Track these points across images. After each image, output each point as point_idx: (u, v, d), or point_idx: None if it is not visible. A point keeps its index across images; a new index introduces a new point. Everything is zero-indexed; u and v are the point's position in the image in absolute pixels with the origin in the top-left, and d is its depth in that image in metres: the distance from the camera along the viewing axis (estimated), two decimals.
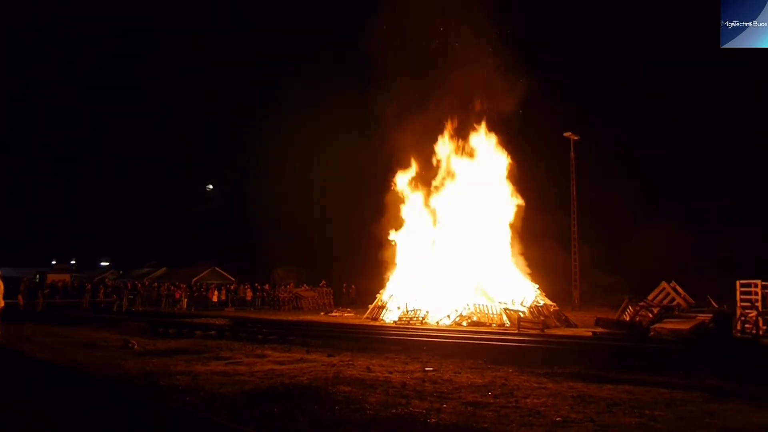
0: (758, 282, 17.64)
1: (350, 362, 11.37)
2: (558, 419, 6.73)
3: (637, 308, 18.56)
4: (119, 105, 73.50)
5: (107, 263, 65.55)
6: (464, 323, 22.18)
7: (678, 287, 18.99)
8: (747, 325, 16.81)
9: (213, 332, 18.12)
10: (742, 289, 17.88)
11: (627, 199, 39.55)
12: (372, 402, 7.49)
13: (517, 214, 26.24)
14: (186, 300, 34.72)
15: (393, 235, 28.16)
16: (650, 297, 19.16)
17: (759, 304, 17.24)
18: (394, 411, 7.03)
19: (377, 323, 24.05)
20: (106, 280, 44.21)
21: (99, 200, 71.86)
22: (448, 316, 22.99)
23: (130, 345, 14.13)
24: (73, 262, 65.89)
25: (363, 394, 8.01)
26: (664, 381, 9.04)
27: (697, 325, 15.46)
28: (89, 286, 36.27)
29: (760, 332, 16.45)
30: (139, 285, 37.80)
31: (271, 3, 72.42)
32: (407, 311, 23.90)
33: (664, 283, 19.25)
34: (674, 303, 18.31)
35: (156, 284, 38.89)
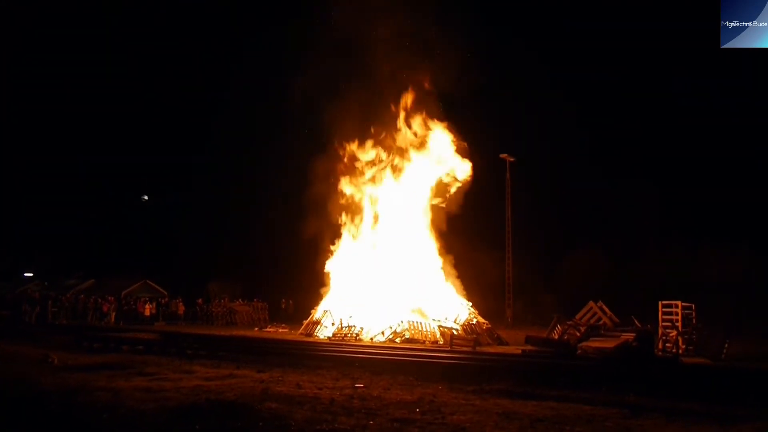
0: (679, 303, 18.41)
1: (280, 378, 11.21)
2: None
3: (566, 327, 19.06)
4: (43, 105, 69.33)
5: (31, 274, 62.43)
6: (398, 340, 22.21)
7: (604, 307, 19.61)
8: (668, 344, 17.52)
9: (141, 347, 17.54)
10: (664, 309, 18.60)
11: (559, 221, 40.63)
12: (297, 418, 7.39)
13: (453, 234, 26.65)
14: (114, 313, 33.38)
15: (330, 252, 28.11)
16: (578, 316, 19.71)
17: (679, 324, 17.98)
18: (319, 427, 6.96)
19: (311, 339, 23.84)
20: (30, 291, 42.16)
21: (21, 207, 68.14)
22: (383, 333, 22.99)
23: (49, 360, 13.52)
24: None
25: (289, 410, 7.90)
26: (586, 397, 9.30)
27: (621, 343, 16.01)
28: (10, 297, 34.58)
29: (680, 351, 17.17)
30: (63, 297, 36.20)
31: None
32: (341, 327, 23.77)
33: (591, 303, 19.86)
34: (600, 322, 18.90)
35: (82, 296, 37.34)
